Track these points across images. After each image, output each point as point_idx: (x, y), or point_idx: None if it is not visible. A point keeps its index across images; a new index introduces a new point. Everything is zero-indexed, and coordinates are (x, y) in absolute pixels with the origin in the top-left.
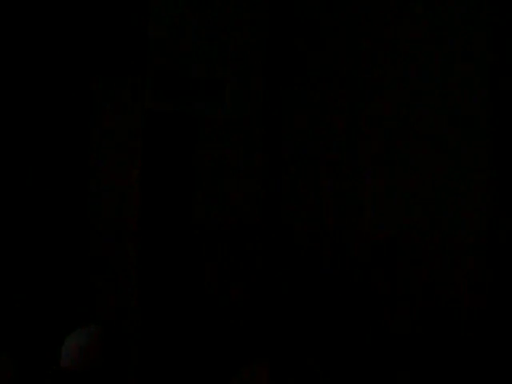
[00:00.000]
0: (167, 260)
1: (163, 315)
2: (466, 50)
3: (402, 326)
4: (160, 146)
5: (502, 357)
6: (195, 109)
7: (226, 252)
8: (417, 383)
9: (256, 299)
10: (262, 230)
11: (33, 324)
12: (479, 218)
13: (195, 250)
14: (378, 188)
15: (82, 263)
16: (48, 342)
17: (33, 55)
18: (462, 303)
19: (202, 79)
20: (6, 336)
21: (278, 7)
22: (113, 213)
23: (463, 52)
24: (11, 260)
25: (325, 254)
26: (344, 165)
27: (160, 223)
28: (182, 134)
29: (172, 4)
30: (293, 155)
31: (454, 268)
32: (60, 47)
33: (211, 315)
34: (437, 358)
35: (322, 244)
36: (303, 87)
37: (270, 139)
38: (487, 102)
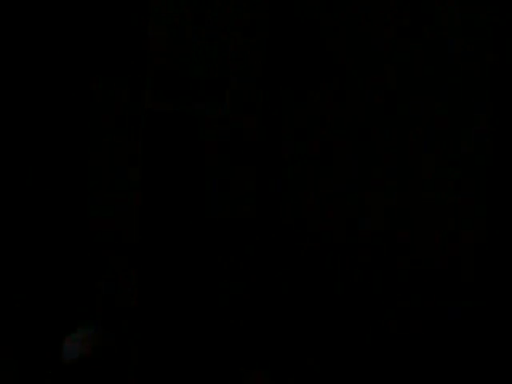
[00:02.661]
0: (167, 260)
1: (163, 315)
2: (466, 49)
3: (401, 326)
4: (160, 145)
5: (501, 356)
6: (195, 109)
7: (226, 252)
8: (417, 383)
9: (256, 299)
10: (261, 230)
11: (33, 324)
12: (479, 217)
13: (195, 250)
14: (378, 188)
15: (82, 263)
16: (48, 341)
17: (33, 55)
18: (461, 303)
19: (202, 79)
20: (7, 336)
21: (277, 7)
22: (113, 213)
23: (463, 52)
24: (12, 260)
25: (324, 254)
26: (344, 165)
27: (160, 223)
28: (181, 134)
29: (172, 4)
30: (293, 155)
31: (454, 268)
32: (60, 47)
33: (211, 315)
34: (436, 358)
35: (321, 244)
36: (303, 87)
37: (269, 139)
38: (488, 102)
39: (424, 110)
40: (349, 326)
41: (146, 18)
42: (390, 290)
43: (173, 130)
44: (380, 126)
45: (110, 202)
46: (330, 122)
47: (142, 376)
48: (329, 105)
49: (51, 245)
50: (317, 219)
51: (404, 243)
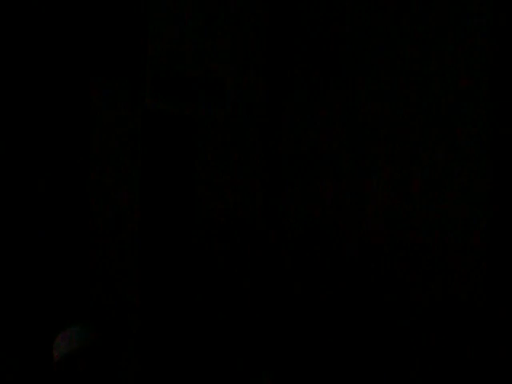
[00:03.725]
0: (167, 260)
1: (163, 315)
2: (466, 49)
3: (403, 327)
4: (160, 145)
5: (501, 357)
6: (195, 109)
7: (226, 252)
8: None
9: (259, 300)
10: (262, 229)
11: (32, 323)
12: (479, 217)
13: (195, 251)
14: (378, 187)
15: (81, 263)
16: (47, 341)
17: (33, 56)
18: (461, 302)
19: (202, 79)
20: (6, 336)
21: (277, 7)
22: (113, 213)
23: (463, 51)
24: (12, 260)
25: (325, 254)
26: (344, 165)
27: (160, 223)
28: (181, 134)
29: (172, 4)
30: (293, 155)
31: (454, 267)
32: (60, 48)
33: (213, 316)
34: (439, 360)
35: (322, 244)
36: (303, 87)
37: (269, 139)
38: (487, 102)
39: (424, 109)
40: (352, 327)
41: (146, 17)
42: (391, 291)
43: (172, 129)
44: (380, 125)
45: (110, 202)
46: (330, 121)
47: (142, 376)
48: (329, 105)
49: (52, 245)
50: (317, 219)
51: (404, 243)
